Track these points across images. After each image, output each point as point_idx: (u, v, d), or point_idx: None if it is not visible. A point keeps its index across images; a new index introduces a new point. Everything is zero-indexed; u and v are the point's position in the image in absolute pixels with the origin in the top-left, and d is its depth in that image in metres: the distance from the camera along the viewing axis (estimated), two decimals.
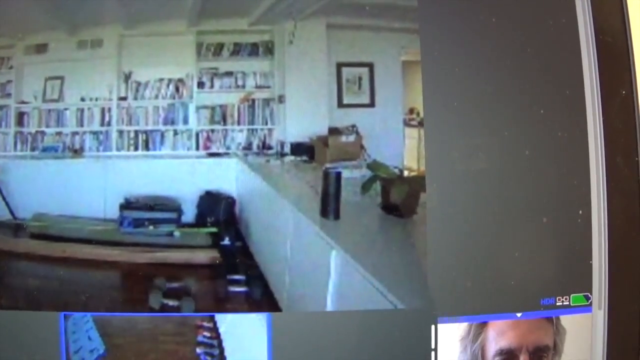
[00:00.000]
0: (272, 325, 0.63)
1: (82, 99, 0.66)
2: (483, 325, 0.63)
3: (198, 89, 0.66)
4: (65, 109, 0.66)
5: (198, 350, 0.64)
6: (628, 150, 0.66)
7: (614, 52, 0.67)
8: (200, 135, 0.66)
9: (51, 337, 0.63)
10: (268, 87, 0.66)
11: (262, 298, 0.64)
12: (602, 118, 0.65)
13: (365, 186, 0.64)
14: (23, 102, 0.67)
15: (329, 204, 0.65)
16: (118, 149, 0.66)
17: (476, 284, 0.63)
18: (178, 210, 0.66)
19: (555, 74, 0.65)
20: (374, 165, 0.64)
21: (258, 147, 0.66)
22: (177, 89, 0.65)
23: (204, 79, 0.66)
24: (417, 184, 0.63)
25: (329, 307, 0.63)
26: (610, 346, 0.65)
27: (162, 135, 0.66)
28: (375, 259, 0.63)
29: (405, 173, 0.64)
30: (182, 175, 0.66)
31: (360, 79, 0.65)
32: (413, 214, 0.64)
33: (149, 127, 0.66)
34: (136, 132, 0.66)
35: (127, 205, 0.65)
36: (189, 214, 0.66)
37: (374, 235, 0.65)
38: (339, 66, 0.65)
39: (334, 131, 0.65)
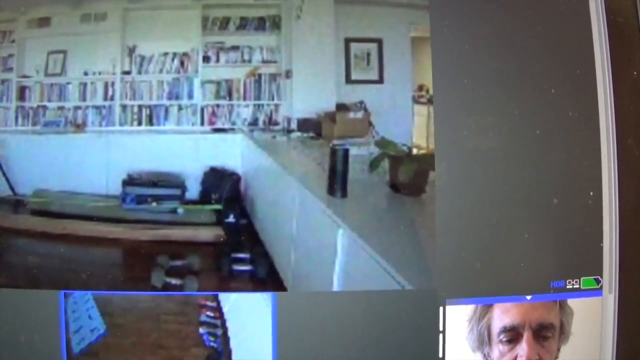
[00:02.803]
0: (277, 305, 0.62)
1: (85, 73, 0.65)
2: (489, 305, 0.63)
3: (203, 64, 0.65)
4: (68, 83, 0.65)
5: (201, 330, 0.63)
6: (639, 131, 0.65)
7: (626, 32, 0.66)
8: (205, 110, 0.65)
9: (51, 316, 0.62)
10: (275, 62, 0.65)
11: (267, 277, 0.64)
12: (614, 99, 0.64)
13: (373, 164, 0.63)
14: (25, 76, 0.66)
15: (336, 182, 0.64)
16: (121, 124, 0.65)
17: (485, 266, 0.63)
18: (182, 186, 0.65)
19: (566, 53, 0.64)
20: (382, 143, 0.63)
21: (264, 122, 0.65)
22: (182, 64, 0.65)
23: (210, 54, 0.65)
24: (426, 162, 0.63)
25: (335, 287, 0.62)
26: (621, 330, 0.64)
27: (167, 110, 0.66)
28: (383, 238, 0.63)
29: (414, 151, 0.64)
30: (187, 151, 0.65)
31: (368, 54, 0.64)
32: (422, 192, 0.63)
33: (153, 102, 0.65)
34: (140, 106, 0.65)
35: (130, 181, 0.64)
36: (193, 190, 0.65)
37: (382, 214, 0.64)
38: (347, 41, 0.64)
39: (341, 107, 0.64)
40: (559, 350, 0.64)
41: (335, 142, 0.64)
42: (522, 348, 0.63)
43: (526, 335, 0.63)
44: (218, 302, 0.62)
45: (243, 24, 0.65)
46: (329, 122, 0.64)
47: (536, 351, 0.63)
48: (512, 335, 0.63)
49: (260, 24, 0.65)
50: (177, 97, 0.65)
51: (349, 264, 0.63)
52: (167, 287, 0.63)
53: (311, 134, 0.65)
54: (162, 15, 0.65)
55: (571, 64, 0.64)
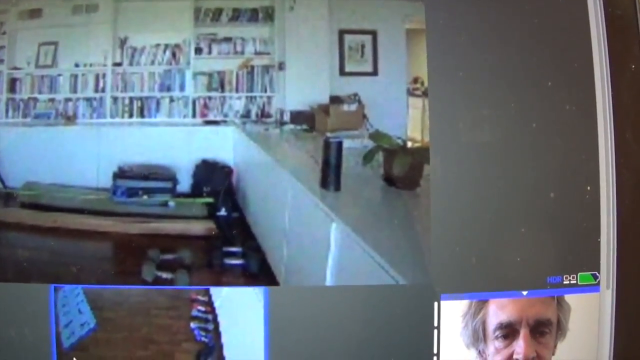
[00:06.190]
0: (269, 299, 0.61)
1: (76, 65, 0.65)
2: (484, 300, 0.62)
3: (195, 55, 0.65)
4: (59, 75, 0.65)
5: (192, 324, 0.62)
6: (637, 125, 0.65)
7: (624, 25, 0.66)
8: (197, 102, 0.65)
9: (41, 310, 0.62)
10: (268, 53, 0.65)
11: (259, 271, 0.63)
12: (611, 92, 0.64)
13: (367, 157, 0.63)
14: (15, 68, 0.65)
15: (330, 175, 0.63)
16: (112, 116, 0.65)
17: (481, 260, 0.62)
18: (173, 179, 0.64)
19: (563, 46, 0.64)
20: (376, 136, 0.63)
21: (257, 115, 0.65)
22: (173, 55, 0.65)
23: (202, 45, 0.65)
24: (420, 155, 0.62)
25: (329, 281, 0.62)
26: (618, 326, 0.64)
27: (158, 102, 0.65)
28: (376, 232, 0.62)
29: (409, 144, 0.63)
30: (178, 143, 0.65)
31: (362, 46, 0.64)
32: (416, 186, 0.63)
33: (145, 94, 0.65)
34: (131, 98, 0.65)
35: (121, 174, 0.64)
36: (185, 183, 0.64)
37: (376, 207, 0.64)
38: (341, 33, 0.64)
39: (335, 100, 0.64)
40: (555, 346, 0.63)
41: (329, 134, 0.64)
42: (519, 345, 0.62)
43: (523, 332, 0.62)
44: (209, 297, 0.62)
45: (236, 15, 0.65)
46: (322, 114, 0.64)
47: (533, 348, 0.62)
48: (508, 331, 0.62)
49: (253, 15, 0.65)
50: (169, 89, 0.65)
51: (342, 258, 0.62)
52: (158, 281, 0.62)
53: (304, 127, 0.64)
54: (153, 7, 0.64)
55: (568, 57, 0.64)
